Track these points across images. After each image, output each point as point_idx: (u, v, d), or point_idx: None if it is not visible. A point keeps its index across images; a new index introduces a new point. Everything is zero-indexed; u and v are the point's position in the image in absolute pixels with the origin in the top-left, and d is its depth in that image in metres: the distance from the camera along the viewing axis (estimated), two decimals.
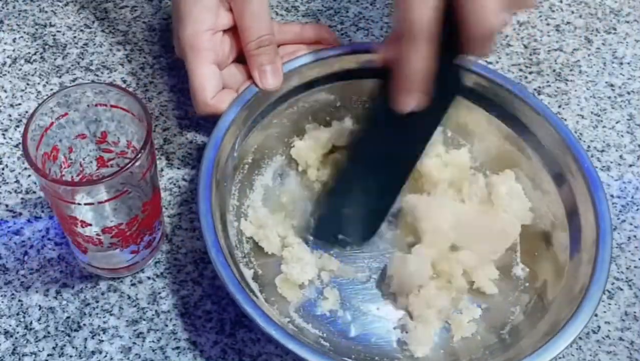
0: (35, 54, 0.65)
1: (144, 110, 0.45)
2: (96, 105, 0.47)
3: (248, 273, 0.51)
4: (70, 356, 0.50)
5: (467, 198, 0.55)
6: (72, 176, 0.50)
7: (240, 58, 0.58)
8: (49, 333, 0.51)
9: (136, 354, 0.50)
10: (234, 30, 0.57)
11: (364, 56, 0.57)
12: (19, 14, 0.68)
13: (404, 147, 0.52)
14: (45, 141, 0.46)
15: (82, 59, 0.65)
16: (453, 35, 0.44)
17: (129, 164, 0.43)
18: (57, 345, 0.50)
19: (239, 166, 0.55)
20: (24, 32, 0.66)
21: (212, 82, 0.55)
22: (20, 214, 0.56)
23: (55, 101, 0.46)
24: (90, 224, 0.47)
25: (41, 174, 0.43)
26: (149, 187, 0.47)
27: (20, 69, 0.64)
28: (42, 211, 0.56)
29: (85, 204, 0.46)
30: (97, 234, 0.48)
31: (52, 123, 0.46)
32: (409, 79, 0.46)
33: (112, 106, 0.47)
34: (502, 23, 0.43)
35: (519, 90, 0.55)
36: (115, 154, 0.50)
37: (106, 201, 0.46)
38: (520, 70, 0.67)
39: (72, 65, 0.64)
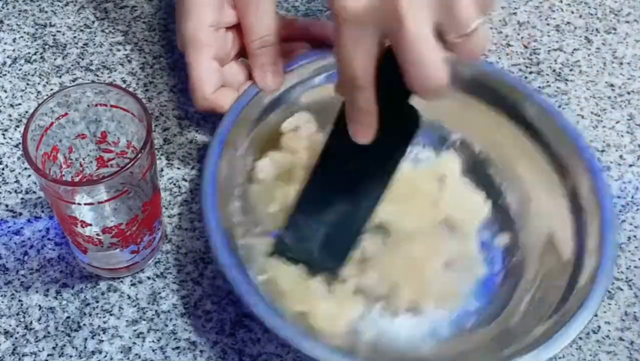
0: (35, 54, 0.65)
1: (144, 110, 0.45)
2: (96, 105, 0.47)
3: (252, 273, 0.51)
4: (70, 356, 0.50)
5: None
6: (72, 176, 0.50)
7: (243, 55, 0.58)
8: (49, 333, 0.51)
9: (136, 354, 0.50)
10: (237, 28, 0.57)
11: None
12: (19, 14, 0.68)
13: (369, 174, 0.51)
14: (45, 141, 0.46)
15: (82, 59, 0.65)
16: (395, 82, 0.43)
17: (129, 164, 0.43)
18: (57, 345, 0.50)
19: (243, 163, 0.55)
20: (24, 32, 0.66)
21: (212, 77, 0.55)
22: (20, 214, 0.56)
23: (55, 101, 0.46)
24: (90, 224, 0.47)
25: (41, 174, 0.43)
26: (149, 187, 0.47)
27: (20, 69, 0.64)
28: (42, 211, 0.56)
29: (85, 204, 0.46)
30: (97, 234, 0.48)
31: (52, 123, 0.46)
32: (356, 118, 0.46)
33: (112, 106, 0.47)
34: (446, 77, 0.41)
35: (521, 85, 0.56)
36: (115, 154, 0.50)
37: (106, 201, 0.46)
38: (520, 70, 0.67)
39: (72, 65, 0.64)
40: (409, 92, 0.44)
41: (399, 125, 0.47)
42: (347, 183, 0.51)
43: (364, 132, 0.47)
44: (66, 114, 0.47)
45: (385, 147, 0.48)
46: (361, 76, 0.44)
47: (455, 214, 0.55)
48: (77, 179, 0.50)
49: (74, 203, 0.45)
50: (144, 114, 0.45)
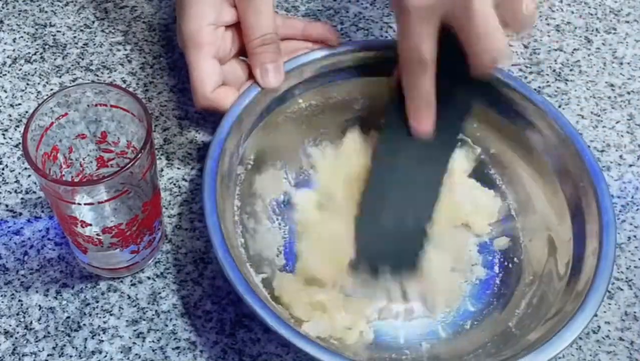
0: (35, 54, 0.65)
1: (144, 110, 0.45)
2: (96, 105, 0.47)
3: (252, 272, 0.51)
4: (70, 356, 0.50)
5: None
6: (72, 176, 0.50)
7: (242, 54, 0.58)
8: (49, 333, 0.51)
9: (136, 354, 0.50)
10: (237, 26, 0.57)
11: (374, 53, 0.58)
12: (19, 14, 0.68)
13: (427, 165, 0.53)
14: (45, 141, 0.46)
15: (82, 59, 0.65)
16: (457, 60, 0.47)
17: (129, 164, 0.43)
18: (57, 345, 0.50)
19: (243, 164, 0.55)
20: (24, 32, 0.66)
21: (212, 75, 0.55)
22: (20, 214, 0.56)
23: (55, 101, 0.46)
24: (90, 224, 0.47)
25: (41, 174, 0.43)
26: (149, 187, 0.47)
27: (20, 69, 0.64)
28: (42, 211, 0.56)
29: (85, 204, 0.46)
30: (97, 234, 0.48)
31: (52, 123, 0.46)
32: (418, 106, 0.50)
33: (112, 106, 0.47)
34: (506, 46, 0.47)
35: (520, 85, 0.56)
36: (115, 154, 0.50)
37: (106, 201, 0.46)
38: (520, 70, 0.67)
39: (72, 65, 0.64)
40: (460, 76, 0.48)
41: (452, 111, 0.50)
42: (404, 181, 0.53)
43: (425, 121, 0.50)
44: (66, 114, 0.47)
45: (439, 136, 0.51)
46: (429, 58, 0.48)
47: (468, 213, 0.56)
48: (77, 179, 0.50)
49: (74, 203, 0.45)
50: (144, 114, 0.45)
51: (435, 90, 0.49)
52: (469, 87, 0.51)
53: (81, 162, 0.50)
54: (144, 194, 0.48)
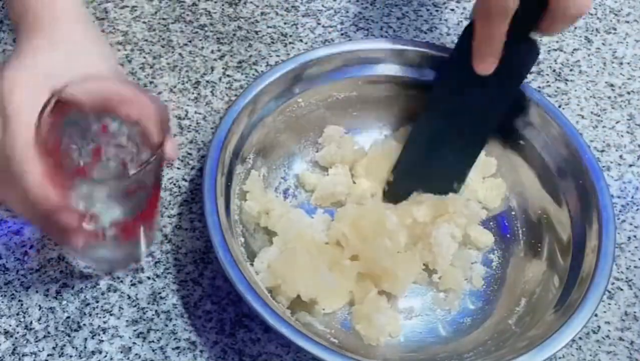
0: None
1: (162, 111, 0.45)
2: (111, 99, 0.46)
3: (253, 271, 0.51)
4: (70, 356, 0.50)
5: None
6: (84, 167, 0.47)
7: None
8: (49, 333, 0.51)
9: (136, 354, 0.50)
10: None
11: (375, 52, 0.58)
12: None
13: (482, 109, 0.54)
14: (55, 132, 0.44)
15: None
16: (533, 11, 0.49)
17: (147, 162, 0.43)
18: (57, 345, 0.50)
19: (243, 163, 0.55)
20: None
21: None
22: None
23: (72, 89, 0.44)
24: (95, 219, 0.46)
25: (52, 163, 0.42)
26: (153, 184, 0.47)
27: None
28: None
29: (91, 198, 0.45)
30: (103, 229, 0.47)
31: (63, 113, 0.45)
32: (487, 46, 0.51)
33: (124, 100, 0.46)
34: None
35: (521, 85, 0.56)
36: (128, 149, 0.48)
37: (114, 195, 0.45)
38: None
39: None
40: (531, 26, 0.50)
41: (517, 59, 0.52)
42: (458, 120, 0.54)
43: (487, 61, 0.51)
44: (78, 105, 0.45)
45: (501, 80, 0.52)
46: (512, 7, 0.48)
47: (478, 188, 0.57)
48: (89, 171, 0.47)
49: (81, 196, 0.44)
50: (162, 114, 0.44)
51: (500, 42, 0.50)
52: (534, 42, 0.52)
53: (95, 154, 0.47)
54: (148, 192, 0.47)
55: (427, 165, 0.56)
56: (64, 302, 0.52)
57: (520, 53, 0.51)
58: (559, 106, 0.65)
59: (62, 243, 0.50)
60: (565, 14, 0.48)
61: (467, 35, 0.52)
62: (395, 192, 0.56)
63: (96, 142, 0.47)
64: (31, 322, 0.51)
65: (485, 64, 0.51)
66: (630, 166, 0.62)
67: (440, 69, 0.55)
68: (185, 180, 0.58)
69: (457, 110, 0.54)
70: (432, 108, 0.55)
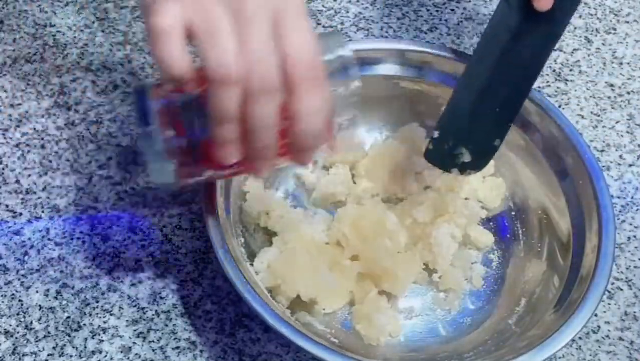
0: (35, 54, 0.65)
1: None
2: None
3: (253, 271, 0.51)
4: (70, 356, 0.50)
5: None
6: None
7: None
8: (49, 333, 0.51)
9: (136, 354, 0.50)
10: None
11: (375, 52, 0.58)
12: (19, 14, 0.68)
13: (533, 50, 0.53)
14: None
15: (82, 59, 0.65)
16: None
17: None
18: (57, 345, 0.50)
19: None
20: (24, 32, 0.66)
21: None
22: (20, 214, 0.56)
23: None
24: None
25: None
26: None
27: (20, 69, 0.64)
28: (42, 211, 0.56)
29: None
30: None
31: None
32: None
33: None
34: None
35: None
36: None
37: None
38: None
39: (72, 65, 0.64)
40: None
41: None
42: (508, 63, 0.53)
43: None
44: None
45: (553, 17, 0.51)
46: None
47: (477, 188, 0.57)
48: None
49: None
50: None
51: None
52: None
53: None
54: None
55: (471, 119, 0.54)
56: (64, 302, 0.52)
57: None
58: (559, 106, 0.65)
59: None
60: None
61: None
62: (438, 148, 0.54)
63: None
64: (31, 322, 0.51)
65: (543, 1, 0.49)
66: (630, 166, 0.62)
67: (489, 20, 0.54)
68: None
69: (503, 61, 0.53)
70: (476, 62, 0.54)
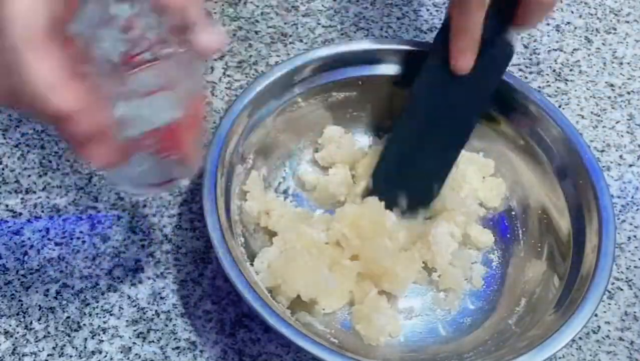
0: None
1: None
2: None
3: (253, 271, 0.51)
4: (70, 356, 0.50)
5: None
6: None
7: None
8: (49, 333, 0.51)
9: (136, 354, 0.50)
10: None
11: (376, 51, 0.58)
12: None
13: (461, 108, 0.54)
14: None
15: None
16: (508, 5, 0.49)
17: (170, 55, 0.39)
18: (57, 345, 0.50)
19: (243, 163, 0.55)
20: None
21: None
22: (20, 214, 0.56)
23: None
24: (133, 123, 0.40)
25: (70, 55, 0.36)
26: (189, 84, 0.41)
27: None
28: (42, 211, 0.56)
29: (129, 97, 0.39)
30: (143, 136, 0.41)
31: None
32: (462, 40, 0.50)
33: None
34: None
35: (520, 85, 0.56)
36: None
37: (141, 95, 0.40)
38: (520, 70, 0.67)
39: None
40: (506, 26, 0.50)
41: (494, 57, 0.52)
42: (436, 120, 0.54)
43: (465, 56, 0.51)
44: None
45: (479, 79, 0.52)
46: None
47: (478, 188, 0.57)
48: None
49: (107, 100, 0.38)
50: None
51: (480, 30, 0.50)
52: (511, 36, 0.52)
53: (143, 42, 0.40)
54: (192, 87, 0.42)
55: (407, 168, 0.55)
56: (64, 302, 0.52)
57: (495, 52, 0.51)
58: (559, 106, 0.65)
59: (81, 156, 0.39)
60: (539, 2, 0.48)
61: (444, 34, 0.52)
62: (376, 193, 0.55)
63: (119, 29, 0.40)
64: (31, 322, 0.51)
65: (464, 60, 0.51)
66: (630, 166, 0.62)
67: (419, 70, 0.55)
68: (185, 180, 0.58)
69: (435, 111, 0.54)
70: (410, 110, 0.55)
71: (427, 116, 0.54)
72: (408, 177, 0.55)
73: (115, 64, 0.39)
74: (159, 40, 0.40)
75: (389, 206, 0.54)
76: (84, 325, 0.51)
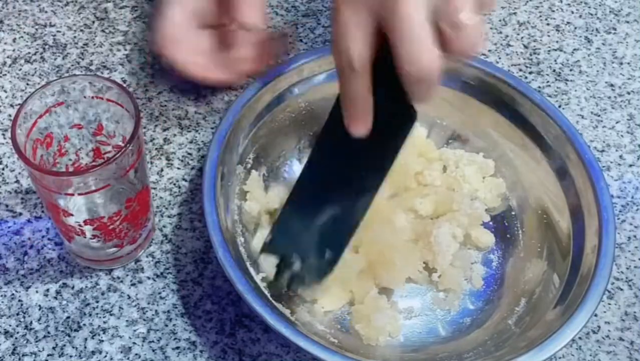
0: (35, 54, 0.65)
1: (134, 105, 0.46)
2: (92, 97, 0.47)
3: (253, 271, 0.51)
4: (70, 356, 0.50)
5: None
6: (67, 165, 0.50)
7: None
8: (49, 333, 0.51)
9: (136, 354, 0.50)
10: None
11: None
12: (19, 14, 0.68)
13: (362, 175, 0.49)
14: (39, 128, 0.46)
15: (82, 59, 0.65)
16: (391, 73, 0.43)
17: (112, 159, 0.43)
18: (57, 345, 0.50)
19: (243, 163, 0.55)
20: (24, 32, 0.66)
21: (178, 25, 0.57)
22: (20, 214, 0.56)
23: (51, 90, 0.46)
24: (72, 215, 0.47)
25: (23, 158, 0.43)
26: (134, 184, 0.47)
27: (20, 69, 0.64)
28: (42, 211, 0.56)
29: (66, 194, 0.45)
30: (79, 225, 0.48)
31: (46, 111, 0.46)
32: (350, 106, 0.46)
33: (108, 100, 0.47)
34: (439, 66, 0.41)
35: (519, 83, 0.56)
36: (111, 147, 0.50)
37: (86, 193, 0.45)
38: (520, 70, 0.67)
39: (72, 65, 0.64)
40: (401, 89, 0.44)
41: (395, 123, 0.47)
42: (339, 180, 0.50)
43: (357, 122, 0.46)
44: (62, 103, 0.47)
45: (380, 144, 0.47)
46: (356, 59, 0.43)
47: (477, 188, 0.57)
48: (72, 168, 0.50)
49: (57, 193, 0.45)
50: (134, 109, 0.45)
51: (369, 94, 0.45)
52: (410, 106, 0.46)
53: (77, 152, 0.50)
54: (129, 190, 0.48)
55: (304, 227, 0.51)
56: (64, 302, 0.52)
57: (394, 115, 0.46)
58: (559, 106, 0.65)
59: None
60: (407, 75, 0.41)
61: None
62: (273, 250, 0.52)
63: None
64: (31, 322, 0.51)
65: (357, 125, 0.46)
66: (630, 166, 0.62)
67: (321, 132, 0.51)
68: (185, 180, 0.58)
69: (335, 173, 0.50)
70: (311, 167, 0.51)
71: (326, 177, 0.50)
72: (305, 240, 0.51)
73: None
74: None
75: (282, 271, 0.51)
76: (84, 325, 0.51)
